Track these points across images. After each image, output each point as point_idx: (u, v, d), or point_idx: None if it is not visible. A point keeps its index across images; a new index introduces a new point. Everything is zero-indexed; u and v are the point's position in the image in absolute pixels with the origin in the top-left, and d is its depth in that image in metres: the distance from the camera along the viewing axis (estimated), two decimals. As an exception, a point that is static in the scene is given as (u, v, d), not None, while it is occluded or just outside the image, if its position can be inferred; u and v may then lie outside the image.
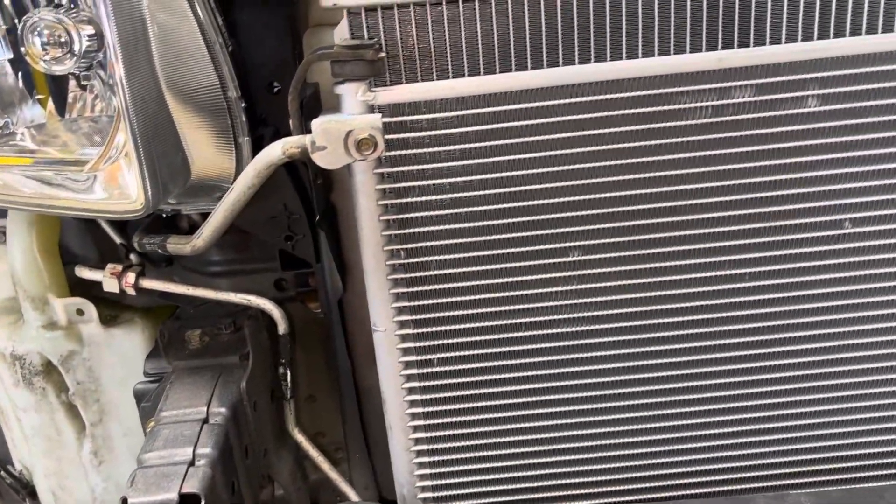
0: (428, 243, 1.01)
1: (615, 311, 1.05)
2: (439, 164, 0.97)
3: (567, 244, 1.02)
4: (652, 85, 0.95)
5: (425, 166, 0.97)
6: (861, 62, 0.95)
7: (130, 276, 1.12)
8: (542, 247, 1.02)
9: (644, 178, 0.99)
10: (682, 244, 1.02)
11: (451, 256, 1.01)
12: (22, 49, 1.02)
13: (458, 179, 0.98)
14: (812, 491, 1.09)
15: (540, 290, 1.04)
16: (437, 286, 1.03)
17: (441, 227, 1.00)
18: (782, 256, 1.03)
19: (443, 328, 1.05)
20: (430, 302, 1.04)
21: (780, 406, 1.11)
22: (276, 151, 0.91)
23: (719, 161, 0.98)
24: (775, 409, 1.11)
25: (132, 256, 1.21)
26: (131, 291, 1.13)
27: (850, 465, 1.15)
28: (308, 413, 1.32)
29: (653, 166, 0.98)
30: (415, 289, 1.03)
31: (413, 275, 1.02)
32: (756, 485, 1.15)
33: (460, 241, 1.01)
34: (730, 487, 1.15)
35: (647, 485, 1.15)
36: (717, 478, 1.15)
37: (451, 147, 0.97)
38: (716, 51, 0.94)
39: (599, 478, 1.14)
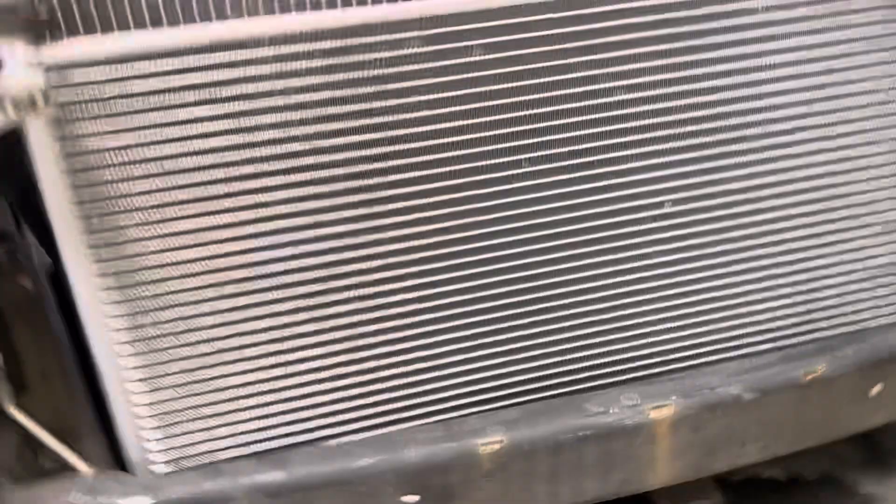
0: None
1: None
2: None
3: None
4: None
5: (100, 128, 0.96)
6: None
7: None
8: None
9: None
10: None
11: (147, 216, 1.01)
12: None
13: (144, 143, 0.98)
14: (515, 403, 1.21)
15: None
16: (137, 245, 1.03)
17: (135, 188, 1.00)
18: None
19: (148, 289, 1.05)
20: (132, 265, 1.03)
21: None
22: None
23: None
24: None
25: None
26: None
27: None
28: (43, 394, 1.28)
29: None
30: (114, 252, 1.02)
31: (111, 237, 1.01)
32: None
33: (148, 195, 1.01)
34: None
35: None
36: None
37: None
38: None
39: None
